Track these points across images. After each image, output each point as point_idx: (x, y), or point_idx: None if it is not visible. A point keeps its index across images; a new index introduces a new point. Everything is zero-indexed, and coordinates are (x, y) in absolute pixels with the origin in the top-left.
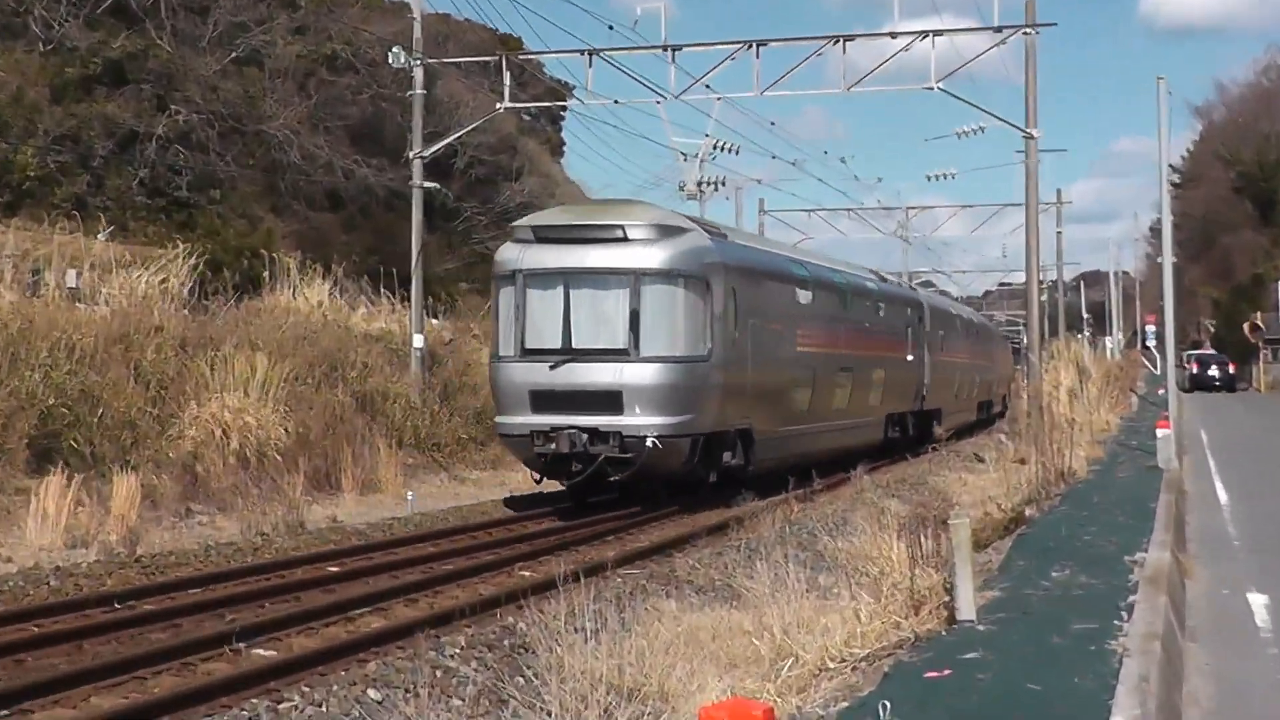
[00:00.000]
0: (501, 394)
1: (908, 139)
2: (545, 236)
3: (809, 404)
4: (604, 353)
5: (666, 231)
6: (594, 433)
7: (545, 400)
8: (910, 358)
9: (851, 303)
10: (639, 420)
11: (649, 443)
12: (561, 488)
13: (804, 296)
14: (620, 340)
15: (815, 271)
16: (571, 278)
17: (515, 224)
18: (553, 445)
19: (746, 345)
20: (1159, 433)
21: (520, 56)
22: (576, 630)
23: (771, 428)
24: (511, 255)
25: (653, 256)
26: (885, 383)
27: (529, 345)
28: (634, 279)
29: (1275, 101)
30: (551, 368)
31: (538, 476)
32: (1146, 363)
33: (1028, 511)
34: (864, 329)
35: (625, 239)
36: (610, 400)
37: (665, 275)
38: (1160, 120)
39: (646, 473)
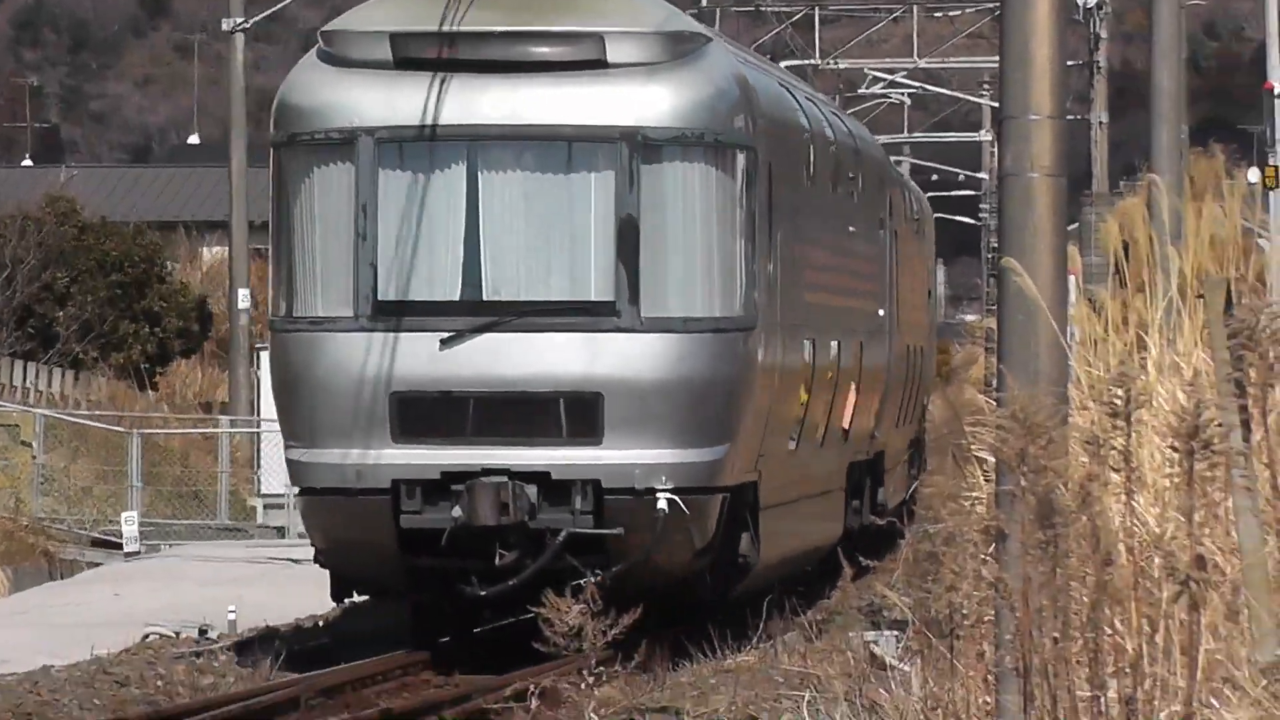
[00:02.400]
0: (315, 400)
1: None
2: (420, 55)
3: (803, 428)
4: (560, 310)
5: (679, 48)
6: (543, 482)
7: (431, 413)
8: (882, 313)
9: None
10: (635, 455)
11: (660, 504)
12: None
13: (834, 187)
14: (597, 284)
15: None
16: (487, 149)
17: (336, 28)
18: (454, 511)
19: (778, 297)
20: None
21: None
22: None
23: (781, 479)
24: (336, 97)
25: (665, 101)
26: (860, 379)
27: (389, 294)
28: (626, 150)
29: None
30: (444, 343)
31: (342, 593)
32: None
33: None
34: (841, 254)
35: (604, 63)
36: (575, 413)
37: (690, 142)
38: None
39: (641, 574)
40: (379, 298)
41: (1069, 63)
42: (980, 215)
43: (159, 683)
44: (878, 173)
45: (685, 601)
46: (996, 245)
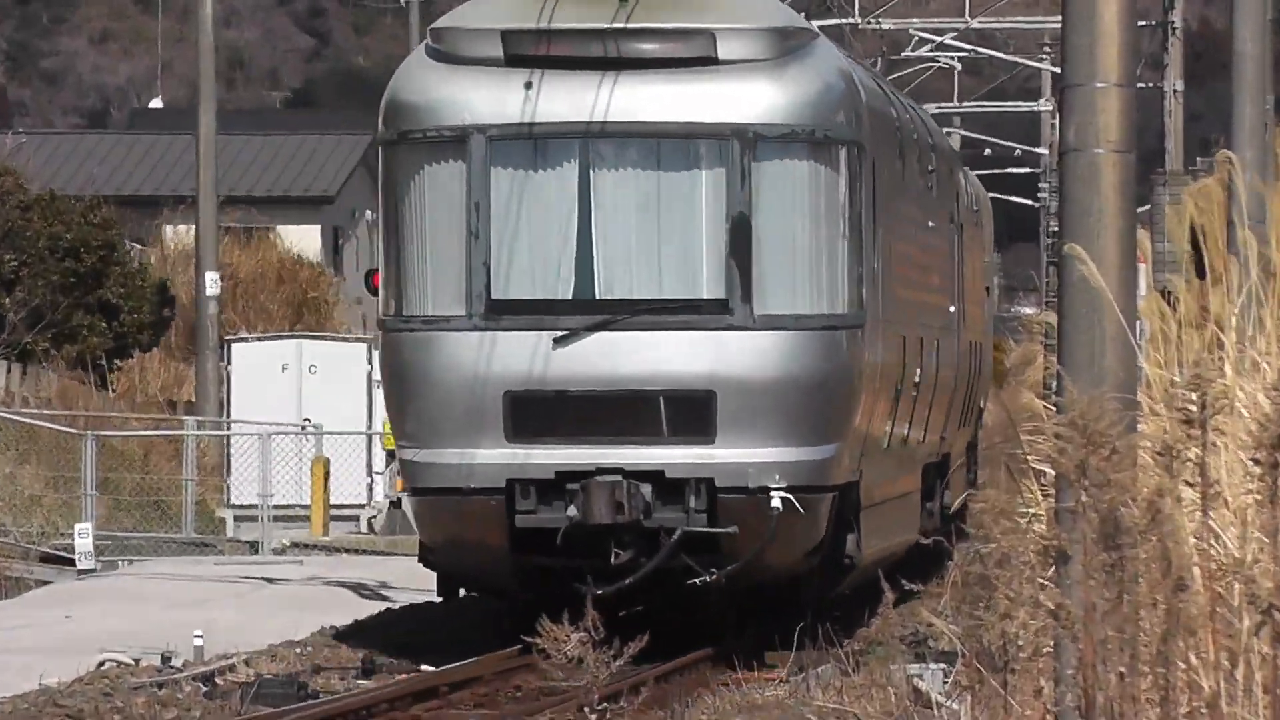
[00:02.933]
0: (428, 400)
1: None
2: (531, 52)
3: (893, 427)
4: (673, 309)
5: (787, 44)
6: (657, 481)
7: (545, 413)
8: (953, 309)
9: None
10: (748, 454)
11: (775, 503)
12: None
13: (931, 186)
14: (709, 282)
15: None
16: (599, 146)
17: (446, 25)
18: (569, 510)
19: (880, 294)
20: None
21: None
22: None
23: (877, 478)
24: (447, 94)
25: (776, 97)
26: (938, 377)
27: (502, 293)
28: (738, 147)
29: None
30: (557, 342)
31: (451, 591)
32: None
33: None
34: (924, 248)
35: (714, 60)
36: (689, 412)
37: (801, 139)
38: None
39: (753, 572)
40: (492, 296)
41: (1140, 23)
42: (1039, 195)
43: (116, 717)
44: (949, 163)
45: (793, 599)
46: (1057, 229)
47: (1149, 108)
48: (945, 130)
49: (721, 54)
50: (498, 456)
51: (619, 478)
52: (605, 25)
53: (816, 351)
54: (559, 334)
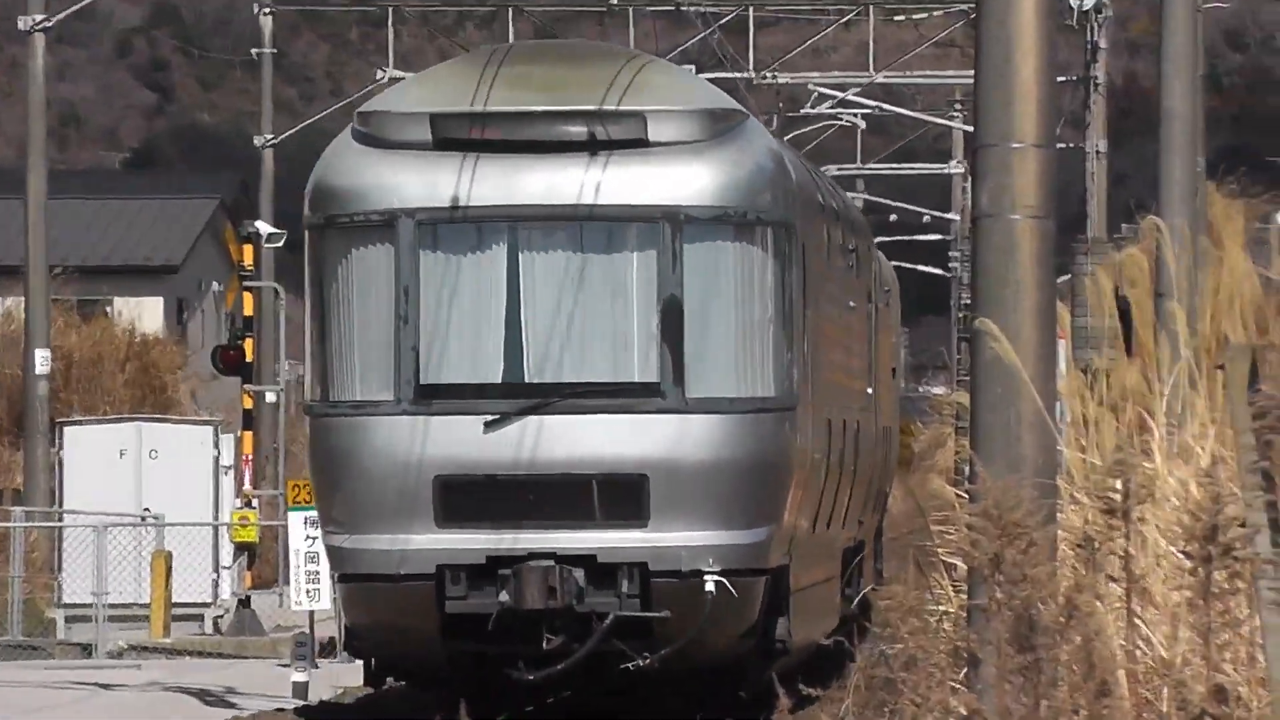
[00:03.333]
0: (356, 485)
1: None
2: (461, 136)
3: (819, 510)
4: (605, 392)
5: (718, 126)
6: (589, 566)
7: (475, 497)
8: (870, 391)
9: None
10: (682, 537)
11: (709, 587)
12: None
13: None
14: (640, 365)
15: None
16: (528, 229)
17: (374, 109)
18: (501, 596)
19: (809, 376)
20: None
21: None
22: None
23: (805, 562)
24: (375, 178)
25: (708, 179)
26: (857, 460)
27: (432, 378)
28: (669, 229)
29: None
30: (488, 426)
31: (379, 679)
32: None
33: None
34: (845, 330)
35: (645, 142)
36: (621, 495)
37: (733, 221)
38: None
39: (687, 657)
40: (421, 381)
41: (1060, 78)
42: (950, 265)
43: None
44: (866, 240)
45: (723, 686)
46: (969, 302)
47: (1070, 169)
48: (849, 194)
49: (652, 136)
50: (428, 542)
51: (551, 562)
52: (535, 109)
53: (749, 434)
54: (489, 418)
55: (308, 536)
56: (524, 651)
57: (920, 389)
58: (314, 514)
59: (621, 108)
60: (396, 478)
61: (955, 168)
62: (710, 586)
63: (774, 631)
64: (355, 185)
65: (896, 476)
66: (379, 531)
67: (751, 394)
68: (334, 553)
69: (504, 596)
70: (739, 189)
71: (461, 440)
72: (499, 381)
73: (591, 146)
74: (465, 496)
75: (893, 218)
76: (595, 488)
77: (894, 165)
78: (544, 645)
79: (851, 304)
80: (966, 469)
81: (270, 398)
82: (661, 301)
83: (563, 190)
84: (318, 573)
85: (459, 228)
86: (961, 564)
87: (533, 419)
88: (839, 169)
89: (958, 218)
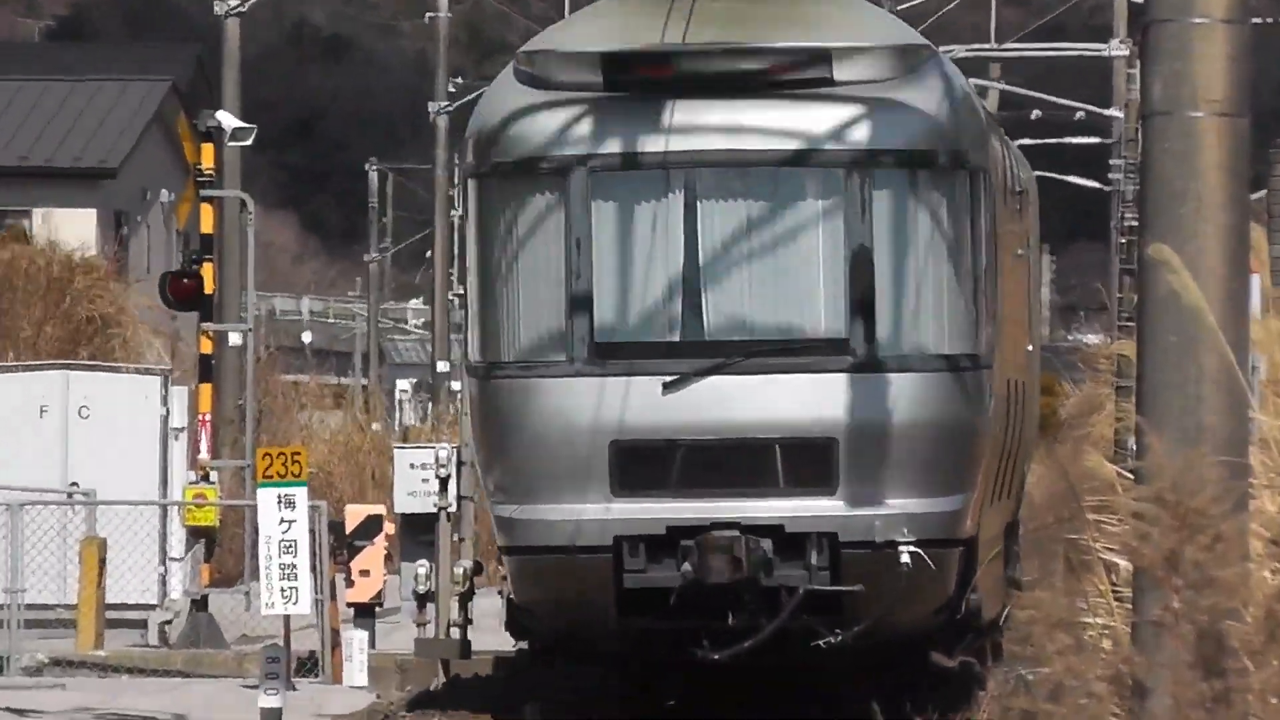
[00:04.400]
0: (526, 452)
1: None
2: (633, 77)
3: (998, 479)
4: (790, 349)
5: (907, 63)
6: (776, 536)
7: (654, 464)
8: (1030, 348)
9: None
10: (874, 505)
11: (903, 559)
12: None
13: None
14: (829, 320)
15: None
16: (707, 177)
17: (539, 47)
18: (683, 568)
19: (999, 333)
20: None
21: None
22: None
23: (988, 534)
24: (543, 122)
25: (898, 122)
26: (1024, 425)
27: (606, 336)
28: (857, 176)
29: None
30: (667, 388)
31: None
32: None
33: None
34: (1017, 282)
35: (829, 80)
36: (808, 460)
37: (925, 165)
38: None
39: (879, 633)
40: (595, 339)
41: None
42: (1110, 177)
43: None
44: (1025, 171)
45: (917, 664)
46: (1136, 223)
47: (1268, 52)
48: (982, 83)
49: (838, 75)
50: (604, 512)
51: (736, 533)
52: (711, 46)
53: (946, 394)
54: (668, 379)
55: (282, 520)
56: (707, 628)
57: (1070, 337)
58: (289, 490)
59: (805, 44)
60: (569, 443)
61: (1118, 49)
62: (905, 558)
63: (966, 606)
64: (521, 130)
65: (1038, 449)
66: (551, 501)
67: (949, 351)
68: (502, 523)
69: (686, 569)
70: (931, 132)
71: (638, 403)
72: (678, 340)
73: (772, 86)
74: (643, 463)
75: (1035, 114)
76: (781, 452)
77: (1037, 45)
78: (728, 621)
79: (1020, 252)
80: (1131, 441)
81: (235, 339)
82: (850, 252)
83: (744, 134)
84: (295, 567)
85: (633, 175)
86: (1126, 564)
87: (714, 379)
88: (966, 50)
89: (1121, 114)
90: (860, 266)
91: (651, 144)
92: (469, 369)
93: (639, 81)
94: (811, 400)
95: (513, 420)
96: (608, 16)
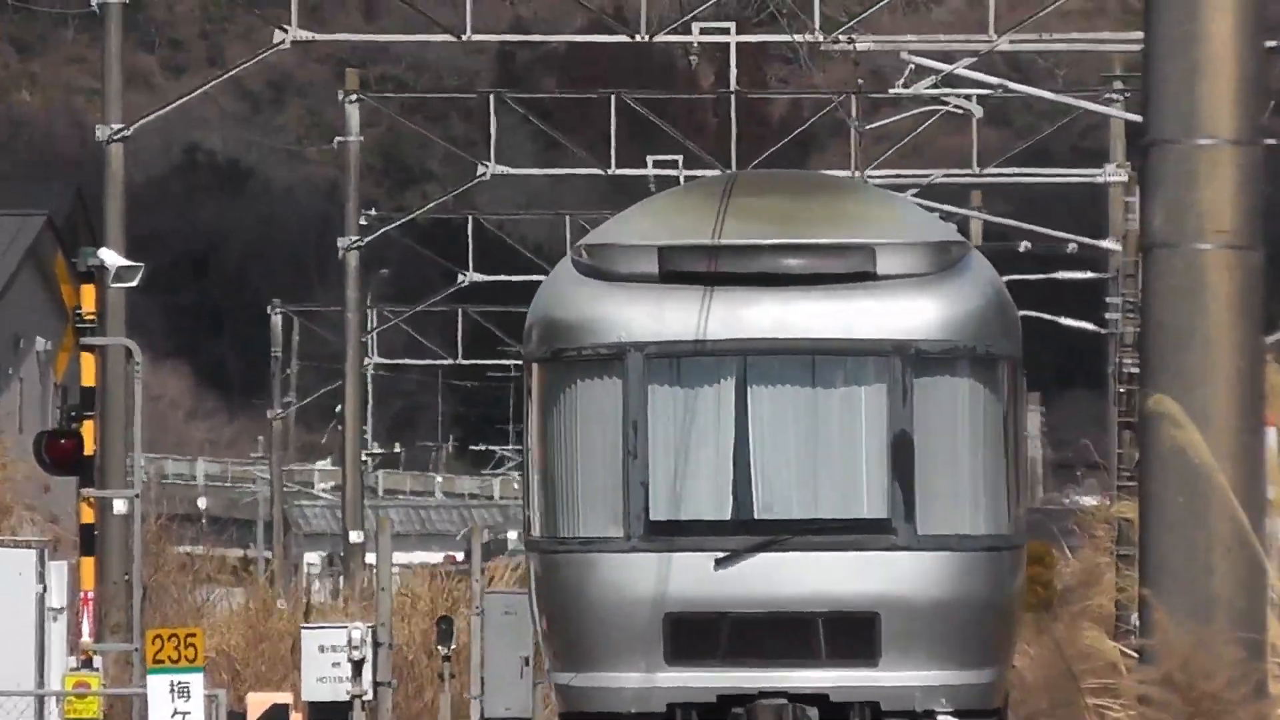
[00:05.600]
0: (584, 622)
1: None
2: (691, 269)
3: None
4: (835, 528)
5: (945, 258)
6: (821, 705)
7: (705, 635)
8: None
9: None
10: (914, 676)
11: None
12: None
13: None
14: (871, 501)
15: None
16: (757, 363)
17: (598, 241)
18: None
19: (1023, 509)
20: None
21: None
22: None
23: (1010, 702)
24: (603, 311)
25: (937, 313)
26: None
27: (661, 514)
28: (899, 363)
29: None
30: (719, 564)
31: None
32: None
33: None
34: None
35: (873, 275)
36: (852, 633)
37: (962, 355)
38: None
39: None
40: (650, 517)
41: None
42: (1107, 317)
43: None
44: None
45: None
46: (1136, 369)
47: None
48: (963, 212)
49: (881, 269)
50: (659, 680)
51: (784, 701)
52: (763, 241)
53: (982, 572)
54: (720, 555)
55: (175, 712)
56: None
57: (1065, 500)
58: (183, 677)
59: (849, 240)
60: (626, 615)
61: (1114, 174)
62: None
63: None
64: (581, 318)
65: (1028, 624)
66: (608, 669)
67: (984, 531)
68: (561, 690)
69: None
70: (969, 323)
71: (692, 577)
72: (728, 518)
73: (821, 280)
74: (695, 634)
75: (1023, 246)
76: (826, 625)
77: (1023, 170)
78: None
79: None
80: (1135, 615)
81: (120, 507)
82: (892, 436)
83: (792, 323)
84: None
85: (688, 361)
86: None
87: (763, 556)
88: (945, 175)
89: (1118, 247)
90: (901, 450)
91: (705, 331)
92: (529, 544)
93: (694, 274)
94: (855, 576)
95: (572, 593)
96: (665, 211)
